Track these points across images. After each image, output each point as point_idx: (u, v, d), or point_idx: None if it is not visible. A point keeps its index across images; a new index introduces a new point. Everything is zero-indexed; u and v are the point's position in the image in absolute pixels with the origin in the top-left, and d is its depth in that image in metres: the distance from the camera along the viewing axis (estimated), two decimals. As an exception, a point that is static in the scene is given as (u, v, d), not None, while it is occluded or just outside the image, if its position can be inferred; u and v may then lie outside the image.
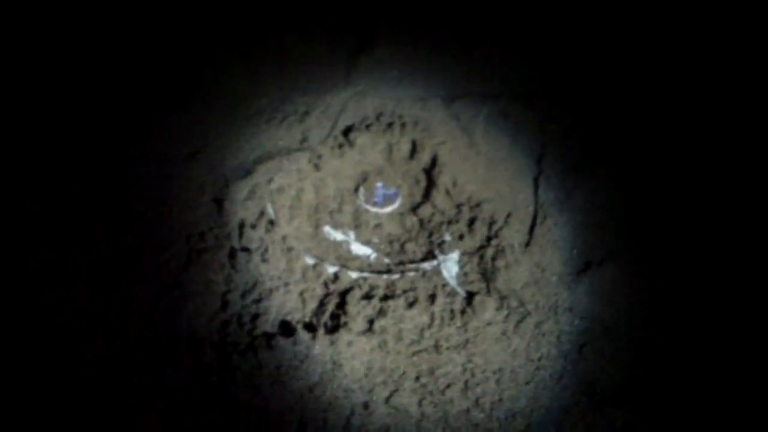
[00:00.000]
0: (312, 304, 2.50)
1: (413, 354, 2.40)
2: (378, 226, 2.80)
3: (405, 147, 2.96)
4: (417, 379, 2.35)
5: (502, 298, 2.55)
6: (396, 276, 2.65)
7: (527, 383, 2.40)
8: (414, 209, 2.85)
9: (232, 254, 2.53)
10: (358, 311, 2.47)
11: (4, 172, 2.59)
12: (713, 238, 2.72)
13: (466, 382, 2.37)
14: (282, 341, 2.35)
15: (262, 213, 2.67)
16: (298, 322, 2.44)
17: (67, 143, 2.72)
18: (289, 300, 2.49)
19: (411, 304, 2.52)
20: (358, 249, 2.74)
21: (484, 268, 2.66)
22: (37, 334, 2.24)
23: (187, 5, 3.25)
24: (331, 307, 2.50)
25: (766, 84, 3.01)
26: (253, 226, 2.62)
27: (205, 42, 3.17)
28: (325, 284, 2.59)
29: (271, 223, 2.66)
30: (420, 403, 2.31)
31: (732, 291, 2.59)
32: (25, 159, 2.64)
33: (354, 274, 2.63)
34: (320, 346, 2.36)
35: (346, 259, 2.69)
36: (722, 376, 2.44)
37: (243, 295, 2.45)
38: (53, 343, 2.23)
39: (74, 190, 2.58)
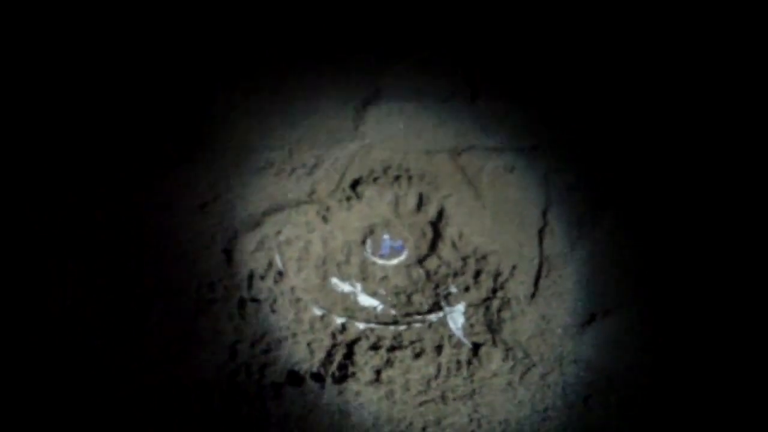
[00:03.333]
0: (320, 355, 2.64)
1: (420, 404, 2.53)
2: (385, 278, 2.95)
3: (412, 200, 3.13)
4: (424, 429, 2.48)
5: (508, 349, 2.69)
6: (403, 327, 2.79)
7: (533, 434, 2.53)
8: (420, 261, 3.00)
9: (242, 305, 2.68)
10: (365, 362, 2.61)
11: (14, 218, 2.76)
12: (718, 289, 2.86)
13: (472, 432, 2.49)
14: (290, 391, 2.49)
15: (270, 264, 2.83)
16: (306, 372, 2.58)
17: (75, 195, 2.89)
18: (297, 350, 2.63)
19: (418, 355, 2.66)
20: (365, 300, 2.89)
21: (490, 319, 2.81)
22: (48, 379, 2.38)
23: (196, 57, 3.45)
24: (338, 357, 2.64)
25: None
26: (262, 277, 2.78)
27: (213, 94, 3.36)
28: (333, 335, 2.73)
29: (280, 274, 2.82)
30: (427, 454, 2.44)
31: (738, 340, 2.72)
32: (31, 207, 2.81)
33: (361, 325, 2.78)
34: (328, 395, 2.50)
35: (353, 311, 2.84)
36: (729, 427, 2.55)
37: (252, 345, 2.59)
38: (64, 387, 2.37)
39: (86, 238, 2.75)
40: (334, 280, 2.91)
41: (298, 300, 2.77)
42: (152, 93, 3.30)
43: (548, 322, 2.81)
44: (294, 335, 2.67)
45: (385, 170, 3.18)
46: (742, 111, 3.34)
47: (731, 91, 3.39)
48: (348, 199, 3.07)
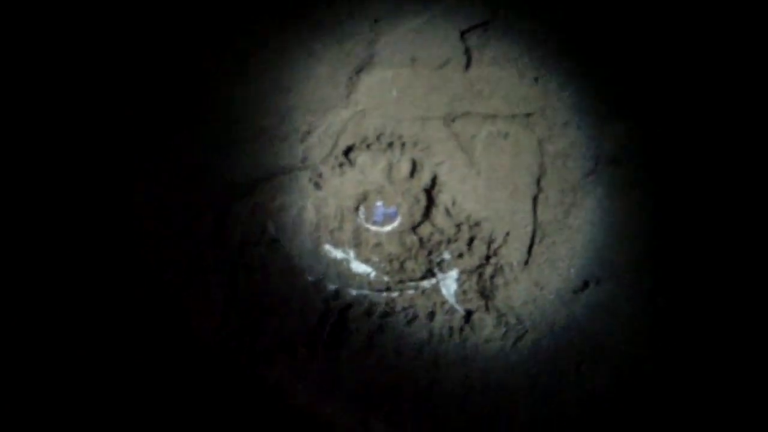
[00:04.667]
0: (312, 321, 2.63)
1: (412, 370, 2.53)
2: (378, 244, 2.94)
3: (405, 166, 3.10)
4: (416, 395, 2.48)
5: (501, 315, 2.69)
6: (395, 294, 2.78)
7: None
8: (413, 228, 2.98)
9: (234, 272, 2.67)
10: (357, 328, 2.61)
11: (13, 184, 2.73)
12: (712, 257, 2.85)
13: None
14: (282, 358, 2.49)
15: (263, 231, 2.81)
16: (298, 338, 2.57)
17: (66, 160, 2.85)
18: (290, 317, 2.62)
19: (410, 321, 2.66)
20: (358, 267, 2.88)
21: (483, 286, 2.80)
22: (43, 346, 2.37)
23: (188, 24, 3.39)
24: (331, 323, 2.63)
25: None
26: (255, 244, 2.76)
27: (205, 60, 3.30)
28: (326, 301, 2.72)
29: (273, 241, 2.80)
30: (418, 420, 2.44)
31: (731, 308, 2.72)
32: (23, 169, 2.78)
33: (354, 292, 2.77)
34: (320, 362, 2.50)
35: (346, 277, 2.83)
36: (721, 393, 2.56)
37: (244, 312, 2.58)
38: (61, 356, 2.36)
39: (77, 205, 2.72)
40: (327, 247, 2.90)
41: (290, 267, 2.76)
42: (140, 58, 3.25)
43: (541, 288, 2.80)
44: (286, 302, 2.66)
45: (378, 137, 3.14)
46: (737, 75, 3.30)
47: (729, 54, 3.35)
48: (341, 165, 3.04)
